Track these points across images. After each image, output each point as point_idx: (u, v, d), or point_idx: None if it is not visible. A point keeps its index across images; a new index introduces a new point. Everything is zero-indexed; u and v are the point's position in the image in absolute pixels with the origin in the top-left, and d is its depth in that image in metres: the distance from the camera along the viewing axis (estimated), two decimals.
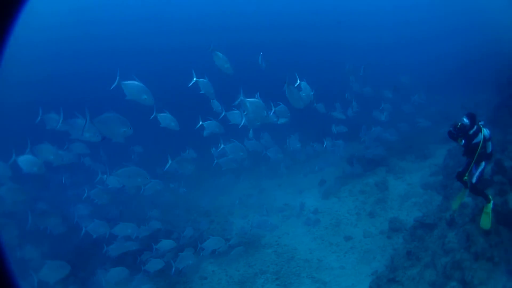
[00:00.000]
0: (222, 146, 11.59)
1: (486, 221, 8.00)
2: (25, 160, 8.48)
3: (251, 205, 16.80)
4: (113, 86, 7.14)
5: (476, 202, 9.91)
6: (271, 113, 9.94)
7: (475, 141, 7.40)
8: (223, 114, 10.58)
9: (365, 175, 16.72)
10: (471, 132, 7.43)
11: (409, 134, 17.17)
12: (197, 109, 11.08)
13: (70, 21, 42.08)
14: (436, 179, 14.49)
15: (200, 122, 11.11)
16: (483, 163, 7.57)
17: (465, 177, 7.80)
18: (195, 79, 9.47)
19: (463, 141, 7.51)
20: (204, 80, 9.68)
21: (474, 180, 7.70)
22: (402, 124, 17.04)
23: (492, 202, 7.82)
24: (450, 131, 7.68)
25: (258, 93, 8.92)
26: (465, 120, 7.46)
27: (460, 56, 25.64)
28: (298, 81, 9.88)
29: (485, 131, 7.40)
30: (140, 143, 16.12)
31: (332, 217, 15.08)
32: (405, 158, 16.96)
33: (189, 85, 9.48)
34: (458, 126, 7.52)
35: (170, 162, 11.13)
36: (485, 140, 7.41)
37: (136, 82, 7.49)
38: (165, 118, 9.63)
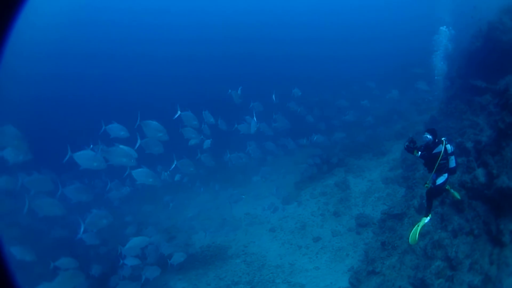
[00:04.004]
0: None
1: (413, 235, 8.46)
2: (83, 155, 8.29)
3: (212, 217, 16.22)
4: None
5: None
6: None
7: (435, 151, 7.75)
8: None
9: (324, 177, 17.16)
10: (431, 145, 7.83)
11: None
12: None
13: (73, 20, 43.21)
14: (396, 173, 15.33)
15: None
16: (445, 175, 7.84)
17: (426, 184, 8.16)
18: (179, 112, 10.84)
19: (419, 152, 7.87)
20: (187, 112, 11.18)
21: (437, 182, 7.97)
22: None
23: (428, 219, 8.22)
24: (407, 146, 7.98)
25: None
26: (428, 136, 7.84)
27: (409, 54, 28.12)
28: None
29: (448, 146, 7.74)
30: None
31: (297, 221, 15.11)
32: (362, 157, 17.78)
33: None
34: (424, 144, 7.88)
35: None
36: (447, 153, 7.72)
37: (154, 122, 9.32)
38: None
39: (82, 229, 9.05)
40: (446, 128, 14.61)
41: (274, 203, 16.52)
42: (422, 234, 10.60)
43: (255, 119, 12.45)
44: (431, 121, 17.00)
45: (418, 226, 8.39)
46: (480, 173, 9.52)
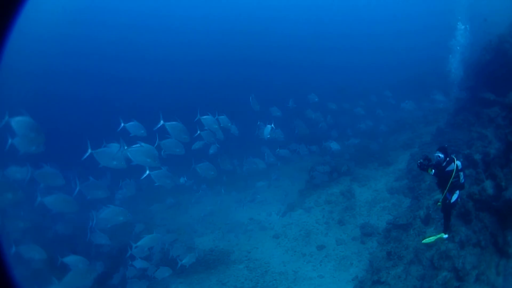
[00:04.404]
0: None
1: (429, 240, 8.70)
2: (103, 153, 8.20)
3: (214, 222, 16.34)
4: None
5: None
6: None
7: (448, 169, 7.96)
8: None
9: (329, 185, 17.26)
10: (444, 163, 8.02)
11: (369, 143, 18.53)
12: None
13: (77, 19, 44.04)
14: (401, 183, 15.45)
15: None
16: (457, 192, 8.11)
17: (439, 203, 8.35)
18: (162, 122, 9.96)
19: (433, 170, 8.05)
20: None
21: (452, 200, 8.18)
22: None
23: (447, 236, 8.54)
24: (421, 163, 8.17)
25: None
26: (440, 155, 8.02)
27: (418, 64, 28.69)
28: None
29: (458, 163, 7.98)
30: None
31: (301, 228, 15.20)
32: (368, 166, 17.92)
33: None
34: (434, 162, 8.06)
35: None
36: (458, 170, 7.97)
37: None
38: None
39: (94, 223, 9.09)
40: (454, 140, 14.76)
41: (278, 210, 16.66)
42: (429, 245, 10.75)
43: (272, 125, 12.60)
44: (438, 132, 17.17)
45: (435, 236, 8.53)
46: (488, 185, 9.66)
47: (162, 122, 8.91)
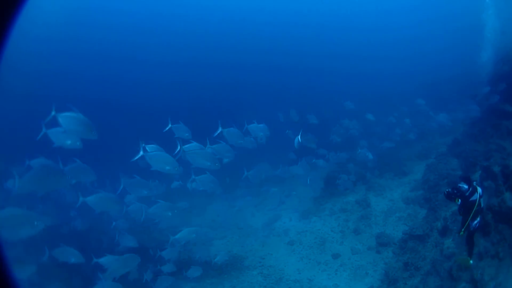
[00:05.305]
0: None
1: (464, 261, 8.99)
2: (157, 157, 8.04)
3: (227, 226, 16.63)
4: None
5: None
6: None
7: (471, 198, 8.30)
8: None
9: (345, 194, 17.49)
10: (467, 193, 8.32)
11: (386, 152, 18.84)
12: None
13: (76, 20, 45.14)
14: (417, 194, 15.63)
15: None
16: (478, 218, 8.45)
17: (461, 232, 8.62)
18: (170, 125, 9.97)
19: (459, 200, 8.38)
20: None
21: (476, 227, 8.54)
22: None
23: (471, 262, 8.87)
24: (448, 192, 8.52)
25: None
26: (464, 186, 8.35)
27: (433, 74, 29.01)
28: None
29: (479, 190, 8.35)
30: None
31: (316, 236, 15.41)
32: (384, 176, 18.14)
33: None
34: (458, 192, 8.39)
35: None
36: (480, 197, 8.33)
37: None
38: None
39: (142, 219, 9.27)
40: (471, 151, 14.92)
41: (293, 216, 16.92)
42: (447, 256, 10.92)
43: (299, 137, 12.95)
44: (454, 143, 17.33)
45: (464, 260, 8.79)
46: (508, 197, 9.83)
47: (220, 128, 8.91)
